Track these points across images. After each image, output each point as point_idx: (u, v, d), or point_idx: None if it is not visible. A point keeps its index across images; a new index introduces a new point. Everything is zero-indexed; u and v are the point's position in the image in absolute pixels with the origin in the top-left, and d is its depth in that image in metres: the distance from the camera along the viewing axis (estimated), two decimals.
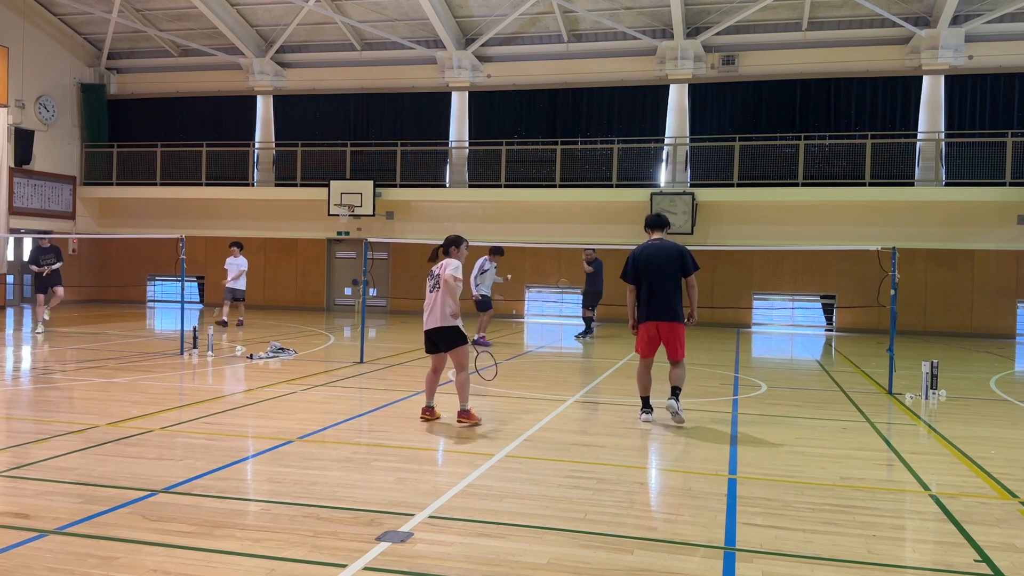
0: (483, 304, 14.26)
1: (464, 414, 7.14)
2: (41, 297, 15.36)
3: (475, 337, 13.90)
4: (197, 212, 23.77)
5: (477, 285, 14.12)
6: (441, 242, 7.53)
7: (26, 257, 23.00)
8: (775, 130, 20.40)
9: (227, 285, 16.86)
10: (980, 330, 19.13)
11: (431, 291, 7.27)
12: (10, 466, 5.48)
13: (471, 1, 21.02)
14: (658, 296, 7.46)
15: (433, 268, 7.37)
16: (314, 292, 23.32)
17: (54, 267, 15.35)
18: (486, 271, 14.26)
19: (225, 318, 16.69)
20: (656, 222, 7.78)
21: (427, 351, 7.39)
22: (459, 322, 7.20)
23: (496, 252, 14.46)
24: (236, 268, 16.94)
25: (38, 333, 14.51)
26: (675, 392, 7.48)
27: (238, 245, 17.36)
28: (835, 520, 4.71)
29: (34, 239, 16.00)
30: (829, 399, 9.29)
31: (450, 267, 7.16)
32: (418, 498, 4.93)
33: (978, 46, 19.44)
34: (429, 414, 7.35)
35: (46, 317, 15.25)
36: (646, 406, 7.65)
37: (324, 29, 22.81)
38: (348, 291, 23.25)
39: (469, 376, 7.37)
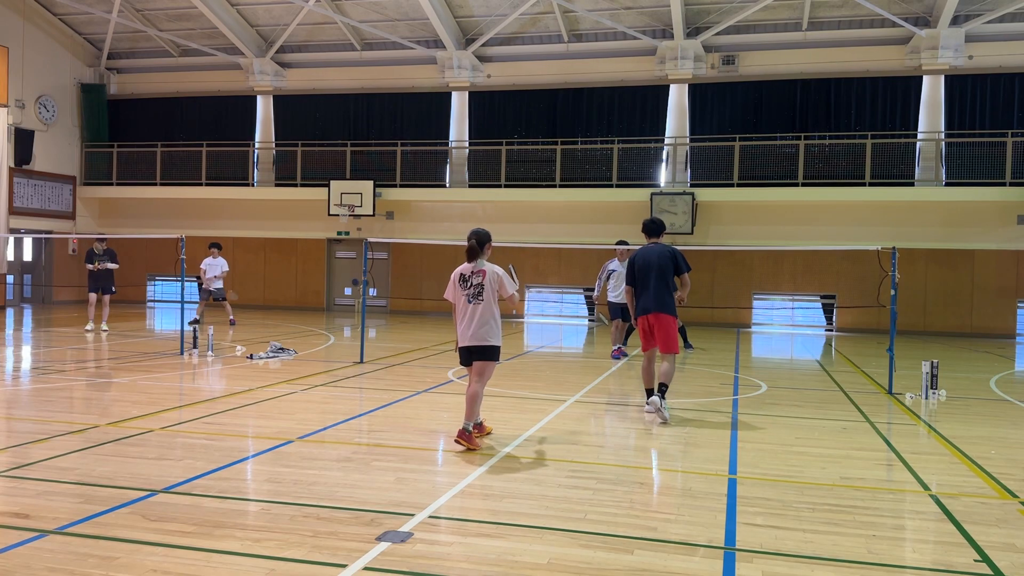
0: (617, 311, 12.91)
1: (465, 435, 6.23)
2: (93, 297, 15.38)
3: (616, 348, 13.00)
4: (197, 212, 23.77)
5: (611, 290, 12.79)
6: (467, 240, 6.56)
7: (29, 255, 23.10)
8: (775, 130, 20.40)
9: (209, 287, 17.11)
10: (980, 330, 19.13)
11: (470, 301, 6.38)
12: (10, 466, 5.48)
13: (471, 1, 21.02)
14: (648, 291, 7.82)
15: (463, 271, 6.47)
16: (314, 292, 23.33)
17: (108, 266, 15.34)
18: (614, 272, 12.87)
19: (198, 316, 16.90)
20: (651, 229, 8.13)
21: (463, 363, 6.59)
22: (500, 338, 6.50)
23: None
24: (218, 268, 17.10)
25: (88, 331, 14.77)
26: (661, 389, 7.73)
27: (217, 246, 17.45)
28: (835, 520, 4.71)
29: (94, 245, 15.66)
30: (829, 399, 9.29)
31: (504, 280, 6.39)
32: (418, 498, 4.93)
33: (978, 46, 19.45)
34: (478, 431, 6.62)
35: (105, 327, 15.28)
36: (650, 397, 7.97)
37: (324, 29, 22.81)
38: (348, 291, 23.25)
39: (483, 393, 6.55)
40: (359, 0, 21.36)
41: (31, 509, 4.55)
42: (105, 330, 15.11)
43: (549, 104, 21.96)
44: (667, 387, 7.74)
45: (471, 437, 6.26)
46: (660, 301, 7.74)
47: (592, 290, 15.45)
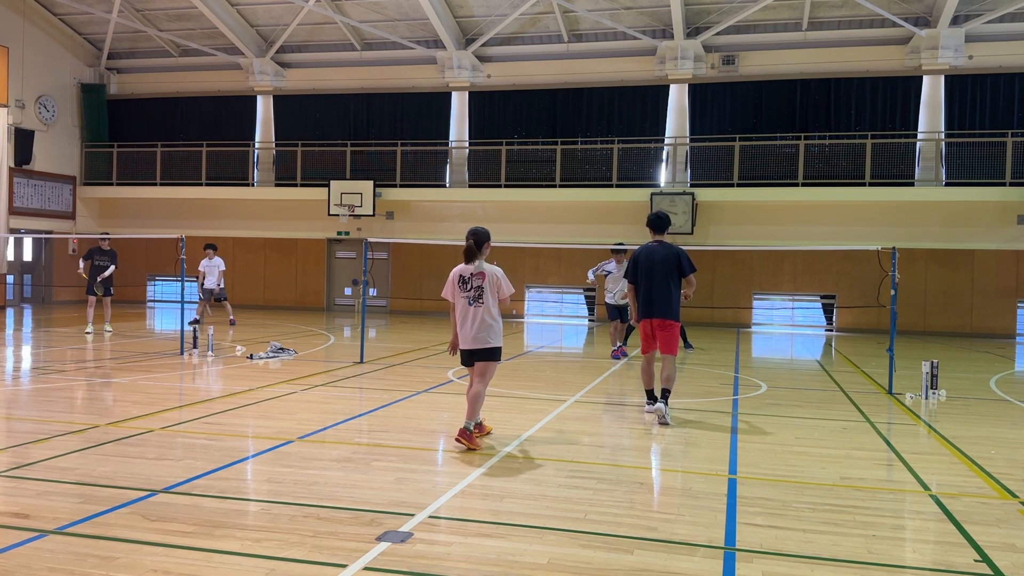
0: (615, 312, 12.89)
1: (465, 434, 6.22)
2: (92, 299, 15.13)
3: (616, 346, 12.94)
4: (197, 212, 23.78)
5: (608, 291, 12.80)
6: (465, 240, 6.50)
7: (29, 255, 23.09)
8: (775, 130, 20.41)
9: (207, 287, 17.11)
10: (980, 330, 19.13)
11: (470, 304, 6.35)
12: (10, 466, 5.48)
13: (471, 1, 21.02)
14: (652, 296, 7.77)
15: (463, 272, 6.43)
16: (314, 292, 23.33)
17: (108, 272, 15.06)
18: (609, 274, 12.81)
19: (198, 316, 16.89)
20: (657, 224, 8.01)
21: (464, 364, 6.58)
22: (501, 339, 6.49)
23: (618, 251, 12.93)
24: (216, 269, 17.10)
25: (88, 333, 14.57)
26: (664, 395, 7.69)
27: (212, 247, 17.41)
28: (835, 520, 4.71)
29: (99, 244, 15.25)
30: (829, 399, 9.29)
31: (503, 281, 6.39)
32: (418, 498, 4.93)
33: (978, 46, 19.45)
34: (479, 430, 6.59)
35: (108, 328, 15.12)
36: (650, 398, 8.00)
37: (324, 29, 22.81)
38: (348, 291, 23.25)
39: (485, 393, 6.57)
40: (359, 0, 21.37)
41: (31, 509, 4.55)
42: (109, 331, 15.01)
43: (549, 104, 21.97)
44: (670, 392, 7.70)
45: (472, 436, 6.26)
46: (665, 308, 7.67)
47: (591, 290, 15.59)
